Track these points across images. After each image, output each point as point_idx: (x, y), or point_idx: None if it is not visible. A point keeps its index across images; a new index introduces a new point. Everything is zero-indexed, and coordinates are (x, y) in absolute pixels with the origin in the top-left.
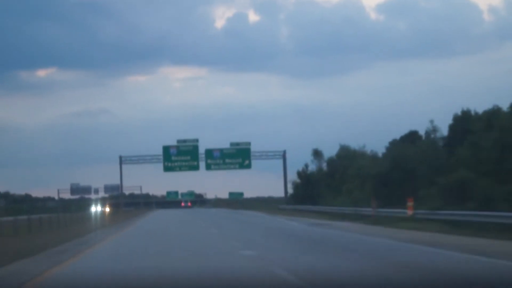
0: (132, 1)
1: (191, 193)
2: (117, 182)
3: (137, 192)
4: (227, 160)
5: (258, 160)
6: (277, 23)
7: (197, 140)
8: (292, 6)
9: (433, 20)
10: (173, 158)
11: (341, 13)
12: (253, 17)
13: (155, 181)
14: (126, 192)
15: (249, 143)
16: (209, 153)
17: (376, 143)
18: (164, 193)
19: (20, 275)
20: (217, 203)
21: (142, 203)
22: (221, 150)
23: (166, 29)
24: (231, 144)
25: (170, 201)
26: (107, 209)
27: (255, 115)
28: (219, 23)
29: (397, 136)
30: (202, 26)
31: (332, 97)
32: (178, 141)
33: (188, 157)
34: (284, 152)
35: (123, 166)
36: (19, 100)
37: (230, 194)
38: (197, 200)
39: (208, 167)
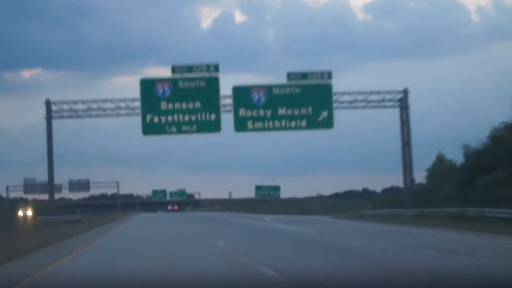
0: (118, 1)
1: (181, 192)
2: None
3: (111, 190)
4: (282, 110)
5: (342, 110)
6: (263, 23)
7: (217, 67)
8: (279, 6)
9: (421, 20)
10: (163, 104)
11: (328, 13)
12: (239, 17)
13: (135, 178)
14: (97, 191)
15: (328, 72)
16: (242, 94)
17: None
18: (149, 192)
19: None
20: (211, 204)
21: (120, 205)
22: (269, 89)
23: (152, 29)
24: (289, 74)
25: (156, 203)
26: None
27: None
28: (205, 24)
29: None
30: (188, 26)
31: None
32: (176, 68)
33: (197, 103)
34: (406, 92)
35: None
36: (3, 100)
37: (258, 188)
38: (188, 201)
39: (240, 124)
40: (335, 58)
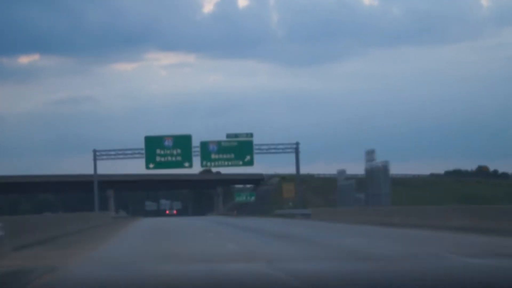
0: None
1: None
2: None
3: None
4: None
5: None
6: (267, 8)
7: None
8: None
9: (428, 5)
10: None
11: None
12: (242, 1)
13: None
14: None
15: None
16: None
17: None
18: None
19: None
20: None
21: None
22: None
23: (152, 14)
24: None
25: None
26: None
27: (245, 105)
28: (207, 8)
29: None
30: (190, 10)
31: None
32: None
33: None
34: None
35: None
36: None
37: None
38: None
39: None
40: (340, 44)
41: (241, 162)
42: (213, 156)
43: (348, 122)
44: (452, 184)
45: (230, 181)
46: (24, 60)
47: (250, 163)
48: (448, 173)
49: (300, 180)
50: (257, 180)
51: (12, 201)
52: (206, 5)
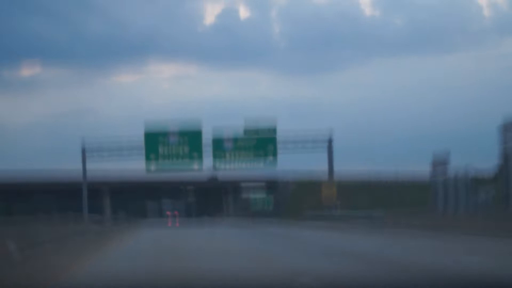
0: None
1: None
2: None
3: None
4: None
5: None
6: (269, 19)
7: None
8: (285, 2)
9: (431, 15)
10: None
11: (335, 9)
12: (243, 13)
13: None
14: None
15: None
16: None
17: None
18: None
19: None
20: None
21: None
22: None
23: (153, 25)
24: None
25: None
26: None
27: (247, 113)
28: (208, 20)
29: None
30: (191, 22)
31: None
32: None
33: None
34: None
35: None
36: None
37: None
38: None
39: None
40: (343, 54)
41: (262, 163)
42: (227, 156)
43: (348, 128)
44: None
45: (239, 187)
46: (26, 71)
47: (273, 163)
48: None
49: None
50: (271, 185)
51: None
52: (207, 16)
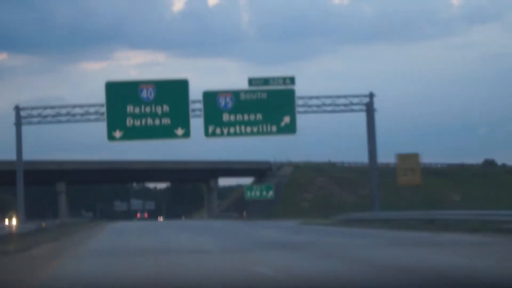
0: None
1: None
2: None
3: None
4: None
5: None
6: (238, 6)
7: (293, 79)
8: None
9: (399, 3)
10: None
11: None
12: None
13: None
14: None
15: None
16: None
17: None
18: None
19: None
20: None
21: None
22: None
23: (121, 12)
24: (252, 81)
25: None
26: None
27: None
28: (177, 6)
29: None
30: (159, 8)
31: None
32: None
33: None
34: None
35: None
36: None
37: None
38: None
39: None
40: (312, 42)
41: (275, 128)
42: (225, 117)
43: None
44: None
45: (223, 171)
46: None
47: (291, 129)
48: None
49: (331, 168)
50: (262, 170)
51: None
52: (176, 3)
